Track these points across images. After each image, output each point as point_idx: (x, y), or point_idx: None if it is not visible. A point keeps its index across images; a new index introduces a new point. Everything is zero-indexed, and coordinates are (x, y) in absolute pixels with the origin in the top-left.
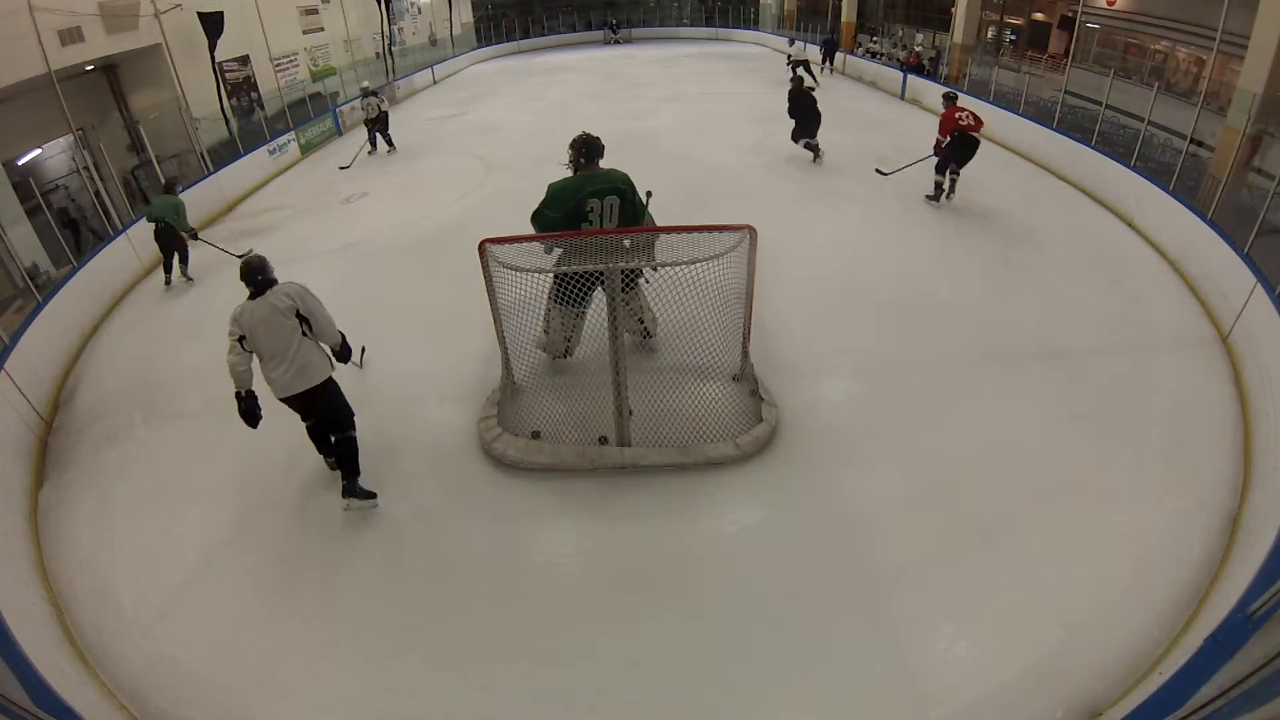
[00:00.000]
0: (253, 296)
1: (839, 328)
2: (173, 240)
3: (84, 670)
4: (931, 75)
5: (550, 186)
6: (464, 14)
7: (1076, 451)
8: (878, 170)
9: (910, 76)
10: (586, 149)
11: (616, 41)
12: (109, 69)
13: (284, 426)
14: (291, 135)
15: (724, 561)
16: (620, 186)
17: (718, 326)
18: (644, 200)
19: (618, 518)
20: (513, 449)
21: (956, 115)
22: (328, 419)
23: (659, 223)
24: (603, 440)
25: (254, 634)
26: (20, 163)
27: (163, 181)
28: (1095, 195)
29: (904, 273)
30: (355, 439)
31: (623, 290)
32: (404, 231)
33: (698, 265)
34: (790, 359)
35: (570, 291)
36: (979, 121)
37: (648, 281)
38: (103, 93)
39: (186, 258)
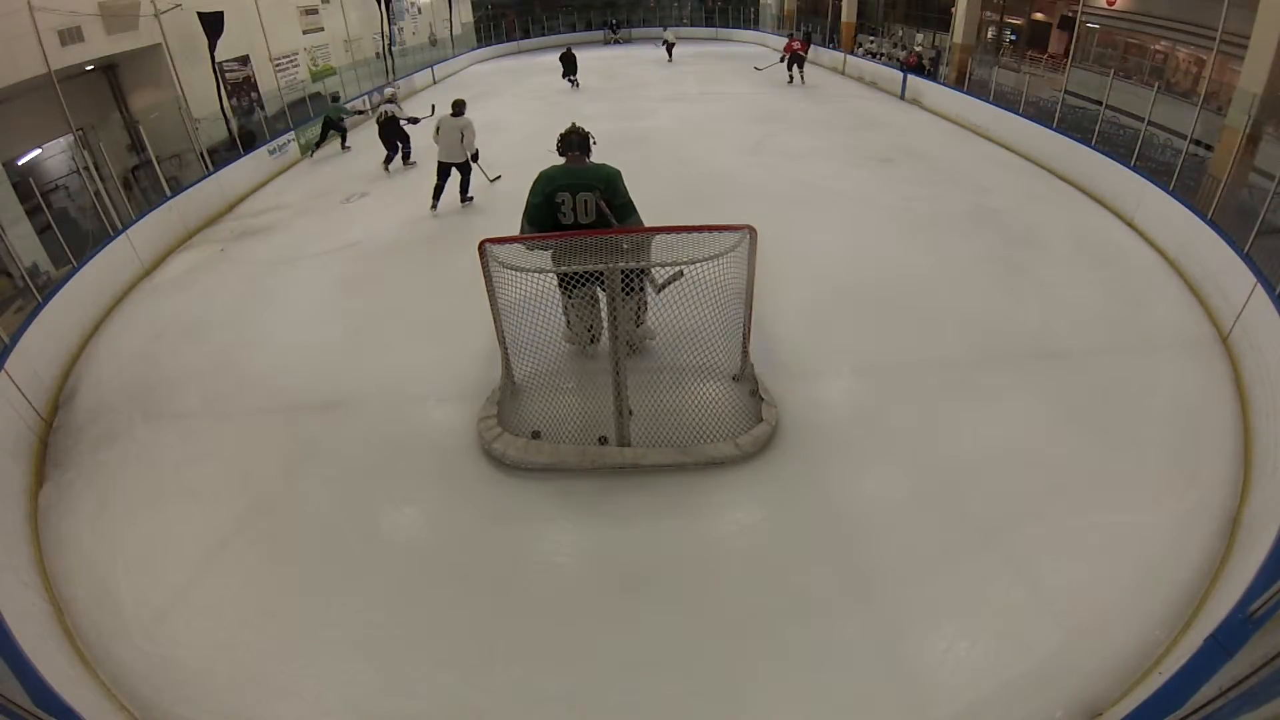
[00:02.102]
0: (452, 115)
1: (839, 327)
2: (336, 126)
3: (84, 670)
4: (932, 75)
5: (540, 172)
6: (464, 14)
7: (1077, 451)
8: (755, 68)
9: (910, 76)
10: (561, 141)
11: (616, 41)
12: (109, 69)
13: (282, 430)
14: (291, 135)
15: (724, 561)
16: (597, 185)
17: (718, 326)
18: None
19: (617, 518)
20: (513, 449)
21: (793, 43)
22: (461, 174)
23: (658, 223)
24: (603, 440)
25: (254, 634)
26: (20, 163)
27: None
28: (1095, 195)
29: (904, 272)
30: (469, 180)
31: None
32: (404, 231)
33: (697, 265)
34: (790, 359)
35: (568, 281)
36: (804, 45)
37: (646, 288)
38: (103, 93)
39: (345, 135)
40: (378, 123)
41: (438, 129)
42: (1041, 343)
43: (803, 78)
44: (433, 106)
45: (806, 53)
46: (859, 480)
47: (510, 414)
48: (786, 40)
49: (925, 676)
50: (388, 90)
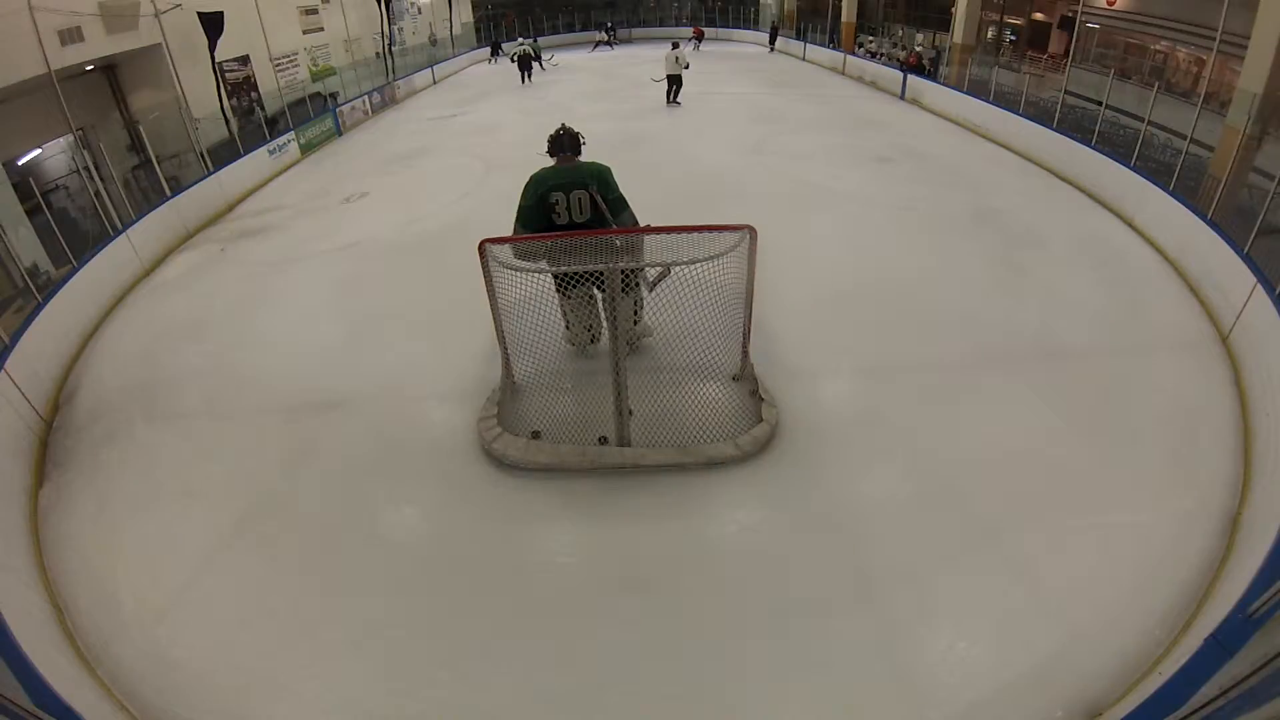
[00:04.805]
0: (673, 49)
1: (839, 327)
2: (530, 62)
3: (84, 670)
4: (932, 75)
5: (531, 175)
6: (464, 14)
7: (1076, 451)
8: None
9: (910, 76)
10: (552, 142)
11: (611, 43)
12: (109, 69)
13: (282, 430)
14: (291, 135)
15: (724, 561)
16: (589, 181)
17: (718, 326)
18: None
19: (618, 518)
20: (513, 449)
21: (698, 30)
22: (676, 86)
23: (658, 223)
24: (603, 440)
25: (254, 634)
26: (20, 163)
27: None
28: (1095, 195)
29: (904, 272)
30: (680, 90)
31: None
32: (404, 231)
33: (697, 265)
34: (790, 359)
35: (564, 282)
36: (701, 30)
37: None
38: (103, 93)
39: (534, 67)
40: (518, 57)
41: (665, 57)
42: (1041, 343)
43: (698, 47)
44: (553, 55)
45: (702, 35)
46: (859, 480)
47: (510, 414)
48: (693, 27)
49: (925, 676)
50: (524, 43)
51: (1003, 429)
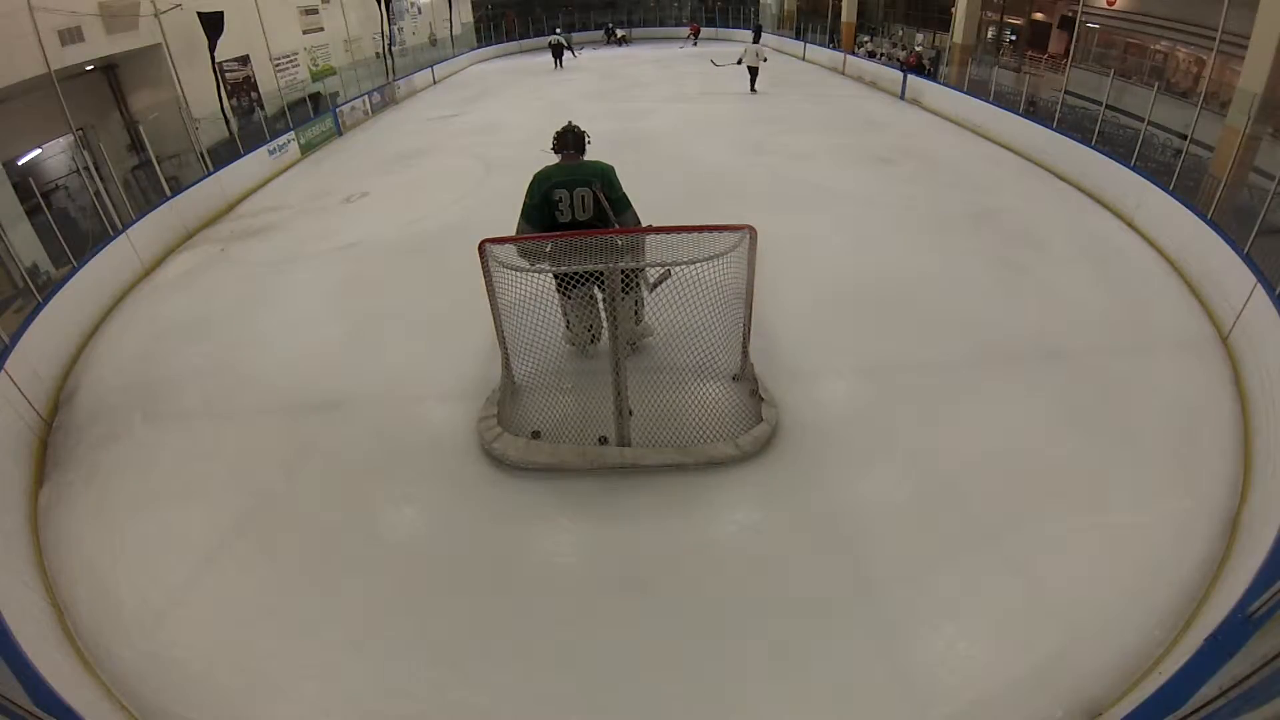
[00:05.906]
0: (754, 43)
1: (839, 327)
2: (561, 50)
3: (84, 670)
4: (932, 75)
5: (535, 173)
6: (464, 14)
7: (1076, 451)
8: (712, 61)
9: (910, 76)
10: (557, 139)
11: (620, 42)
12: (109, 69)
13: (282, 430)
14: (291, 135)
15: (724, 561)
16: (593, 180)
17: (718, 326)
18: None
19: (618, 518)
20: (513, 449)
21: (694, 27)
22: (753, 74)
23: (659, 223)
24: (603, 440)
25: (254, 634)
26: (20, 163)
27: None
28: (1095, 195)
29: (904, 272)
30: (757, 79)
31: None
32: (404, 231)
33: (698, 265)
34: (790, 359)
35: (566, 281)
36: (698, 28)
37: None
38: (103, 93)
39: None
40: (552, 45)
41: (745, 51)
42: (1041, 343)
43: (696, 43)
44: (584, 47)
45: (699, 33)
46: (859, 480)
47: (510, 414)
48: (690, 25)
49: (925, 676)
50: (559, 32)
51: (1003, 429)
